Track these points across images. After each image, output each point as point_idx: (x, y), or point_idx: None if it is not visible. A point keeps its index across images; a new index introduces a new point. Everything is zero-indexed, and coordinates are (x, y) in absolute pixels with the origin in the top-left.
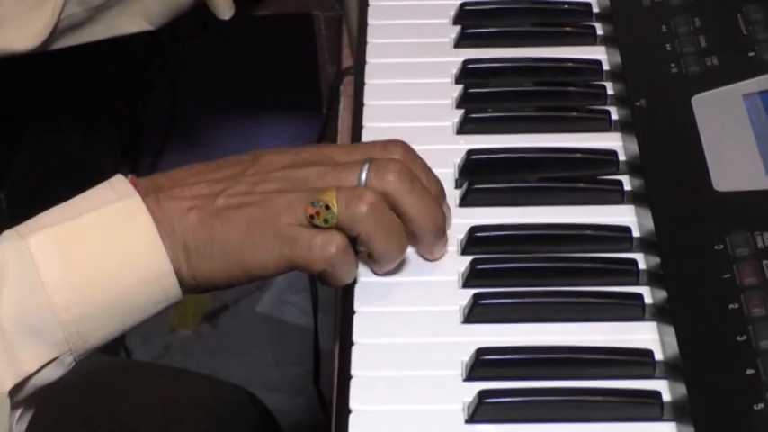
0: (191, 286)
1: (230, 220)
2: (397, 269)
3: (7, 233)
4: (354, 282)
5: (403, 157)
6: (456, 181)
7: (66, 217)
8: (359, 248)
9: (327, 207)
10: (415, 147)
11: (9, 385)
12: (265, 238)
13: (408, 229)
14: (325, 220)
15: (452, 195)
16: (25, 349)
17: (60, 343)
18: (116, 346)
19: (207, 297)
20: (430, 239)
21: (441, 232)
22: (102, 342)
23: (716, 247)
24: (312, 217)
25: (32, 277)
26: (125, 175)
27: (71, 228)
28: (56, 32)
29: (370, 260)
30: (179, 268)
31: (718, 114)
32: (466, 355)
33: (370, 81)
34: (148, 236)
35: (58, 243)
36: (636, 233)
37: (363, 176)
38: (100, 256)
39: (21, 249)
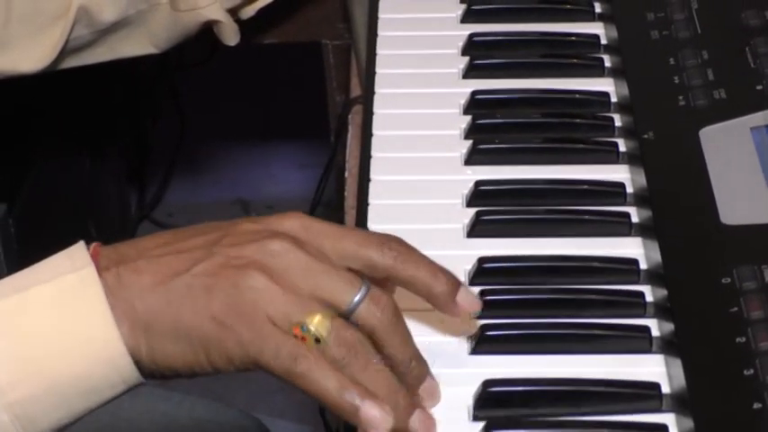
0: (150, 371)
1: (197, 302)
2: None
3: None
4: None
5: (396, 258)
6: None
7: (14, 289)
8: None
9: (318, 341)
10: (423, 177)
11: None
12: (236, 330)
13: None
14: (317, 341)
15: (459, 224)
16: None
17: (6, 426)
18: None
19: None
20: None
21: (419, 381)
22: (57, 426)
23: (723, 281)
24: (297, 337)
25: None
26: (132, 199)
27: (17, 301)
28: (63, 53)
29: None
30: (137, 350)
31: (726, 147)
32: (474, 387)
33: (379, 111)
34: (100, 313)
35: (2, 318)
36: (643, 265)
37: (356, 299)
38: (48, 332)
39: None
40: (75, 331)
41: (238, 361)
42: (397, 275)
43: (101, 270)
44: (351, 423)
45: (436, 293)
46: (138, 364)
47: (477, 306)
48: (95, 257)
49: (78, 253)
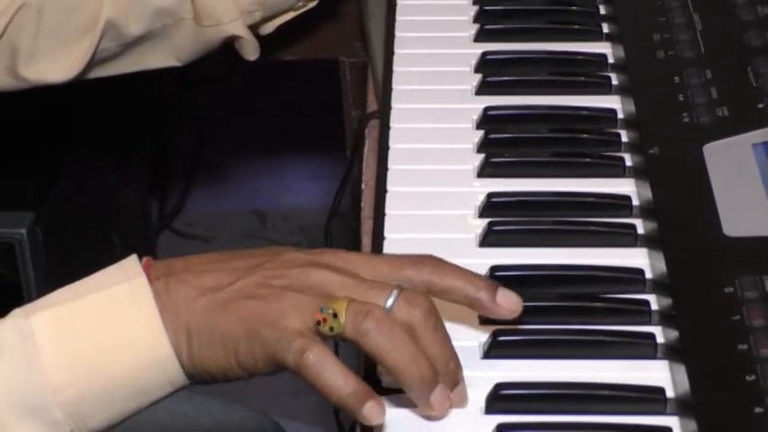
0: (190, 374)
1: (235, 311)
2: None
3: (16, 311)
4: None
5: (435, 272)
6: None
7: (72, 296)
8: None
9: (335, 316)
10: (438, 188)
11: None
12: (262, 333)
13: None
14: (331, 328)
15: (472, 235)
16: (20, 427)
17: (59, 424)
18: None
19: None
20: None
21: (453, 380)
22: (107, 425)
23: (726, 290)
24: (318, 323)
25: (31, 355)
26: (153, 208)
27: (75, 308)
28: (90, 64)
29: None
30: (180, 354)
31: (729, 163)
32: (486, 389)
33: (396, 125)
34: (151, 318)
35: (60, 322)
36: (649, 275)
37: (390, 302)
38: (101, 336)
39: (23, 327)
40: (127, 336)
41: (262, 362)
42: (435, 287)
43: (151, 280)
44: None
45: (477, 297)
46: (181, 366)
47: (517, 304)
48: (147, 269)
49: (131, 265)
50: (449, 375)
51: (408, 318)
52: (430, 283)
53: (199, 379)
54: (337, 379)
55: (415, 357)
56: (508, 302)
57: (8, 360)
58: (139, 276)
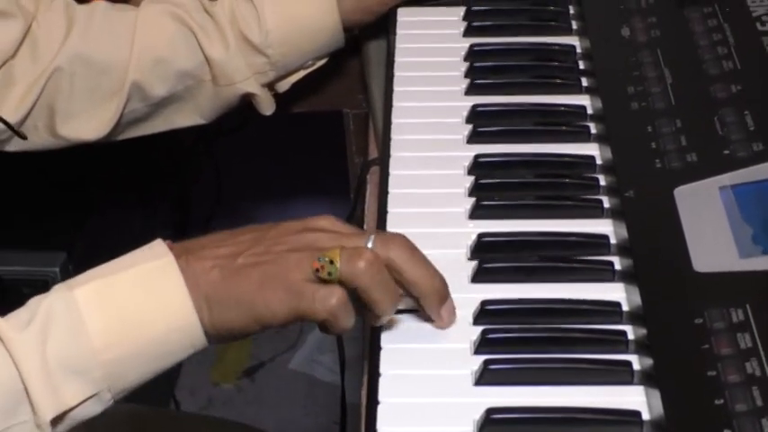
0: (211, 335)
1: (246, 276)
2: (417, 338)
3: (58, 285)
4: (380, 347)
5: (399, 251)
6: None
7: (109, 272)
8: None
9: (331, 262)
10: (432, 229)
11: (51, 416)
12: (276, 291)
13: (413, 294)
14: (329, 273)
15: (464, 272)
16: (68, 386)
17: (99, 381)
18: (166, 398)
19: (246, 355)
20: (434, 302)
21: (442, 295)
22: (138, 382)
23: (696, 321)
24: (317, 270)
25: (77, 323)
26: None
27: (112, 281)
28: (120, 125)
29: (368, 312)
30: (202, 319)
31: (697, 204)
32: (477, 414)
33: (394, 172)
34: (178, 290)
35: (100, 294)
36: (625, 307)
37: (369, 244)
38: (136, 306)
39: (68, 299)
40: (159, 304)
41: (282, 316)
42: (396, 265)
43: (174, 258)
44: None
45: (425, 294)
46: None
47: (449, 324)
48: (170, 250)
49: (158, 246)
50: (437, 292)
51: (386, 253)
52: (394, 259)
53: (220, 339)
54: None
55: (393, 289)
56: (447, 319)
57: (57, 327)
58: (167, 255)
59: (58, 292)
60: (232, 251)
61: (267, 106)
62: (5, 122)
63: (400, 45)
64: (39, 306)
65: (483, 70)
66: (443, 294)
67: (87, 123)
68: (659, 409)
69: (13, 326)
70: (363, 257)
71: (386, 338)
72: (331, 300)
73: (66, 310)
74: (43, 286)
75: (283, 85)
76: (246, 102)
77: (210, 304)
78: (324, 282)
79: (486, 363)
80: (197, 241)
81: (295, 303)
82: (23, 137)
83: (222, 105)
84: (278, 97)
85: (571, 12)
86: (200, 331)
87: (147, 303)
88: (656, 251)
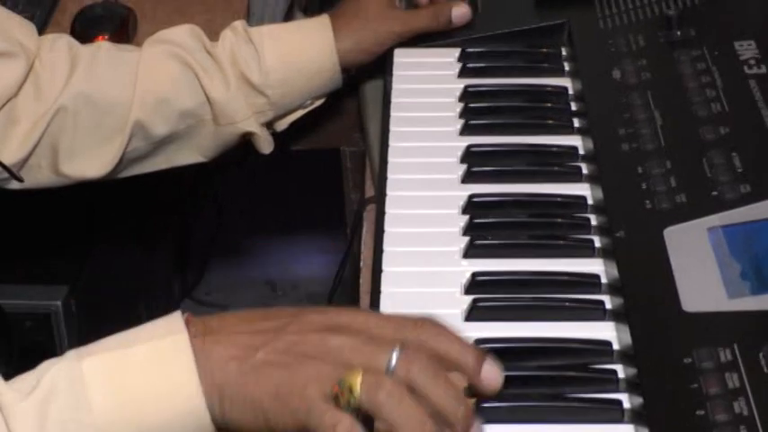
0: (218, 426)
1: (264, 380)
2: None
3: (69, 353)
4: None
5: (431, 336)
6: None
7: (121, 345)
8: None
9: (351, 390)
10: (427, 268)
11: None
12: (289, 404)
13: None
14: (348, 402)
15: (458, 309)
16: None
17: None
18: None
19: None
20: (457, 429)
21: (467, 423)
22: None
23: (685, 361)
24: (336, 396)
25: (80, 397)
26: (176, 280)
27: (122, 355)
28: (122, 162)
29: None
30: (212, 409)
31: (686, 245)
32: None
33: (390, 211)
34: (189, 373)
35: (108, 368)
36: (616, 346)
37: (393, 361)
38: (144, 384)
39: (74, 370)
40: (167, 385)
41: (290, 427)
42: (431, 349)
43: (190, 337)
44: None
45: (465, 365)
46: (211, 419)
47: (498, 380)
48: (187, 325)
49: (174, 320)
50: (462, 420)
51: (409, 374)
52: (425, 343)
53: (226, 430)
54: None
55: (422, 423)
56: (491, 377)
57: (59, 400)
58: (182, 332)
59: (67, 361)
60: (252, 342)
61: (266, 145)
62: (5, 167)
63: (396, 85)
64: (45, 373)
65: (477, 111)
66: (468, 424)
67: (90, 162)
68: None
69: (15, 394)
70: (384, 389)
71: None
72: (339, 429)
73: (71, 382)
74: (45, 319)
75: (281, 125)
76: (245, 140)
77: (223, 397)
78: (338, 405)
79: (479, 402)
80: (217, 319)
81: (305, 420)
82: (20, 179)
83: (222, 144)
84: (277, 135)
85: (563, 54)
86: (207, 420)
87: (155, 384)
88: (645, 291)
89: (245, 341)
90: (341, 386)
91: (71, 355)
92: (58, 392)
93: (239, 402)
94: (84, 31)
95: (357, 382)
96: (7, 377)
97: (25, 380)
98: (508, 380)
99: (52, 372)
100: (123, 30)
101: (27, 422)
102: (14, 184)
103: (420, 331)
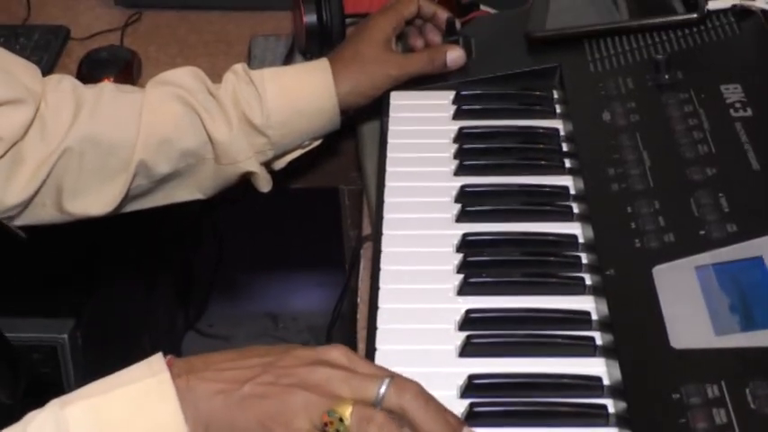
0: None
1: (250, 409)
2: None
3: (53, 402)
4: None
5: (411, 401)
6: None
7: (103, 389)
8: None
9: (341, 420)
10: (421, 305)
11: None
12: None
13: None
14: (337, 431)
15: (452, 345)
16: None
17: None
18: None
19: None
20: None
21: None
22: None
23: (673, 396)
24: (326, 425)
25: None
26: (179, 312)
27: (106, 399)
28: (126, 199)
29: None
30: None
31: (675, 283)
32: None
33: (386, 249)
34: (173, 411)
35: (92, 414)
36: (606, 382)
37: (382, 391)
38: (128, 426)
39: (58, 417)
40: (151, 424)
41: None
42: (409, 414)
43: (174, 376)
44: None
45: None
46: None
47: None
48: (170, 366)
49: (156, 362)
50: None
51: (400, 402)
52: (407, 410)
53: None
54: None
55: None
56: None
57: None
58: (163, 372)
59: (51, 409)
60: (239, 376)
61: (265, 184)
62: (8, 227)
63: (393, 127)
64: (31, 422)
65: (471, 152)
66: None
67: (94, 200)
68: None
69: None
70: (375, 421)
71: None
72: None
73: (55, 428)
74: (52, 352)
75: (280, 164)
76: (245, 179)
77: (209, 430)
78: None
79: None
80: (202, 359)
81: None
82: (23, 237)
83: (222, 182)
84: (278, 173)
85: (555, 96)
86: None
87: (139, 423)
88: (635, 327)
89: (231, 376)
90: (330, 416)
91: (54, 403)
92: None
93: None
94: (90, 73)
95: (347, 412)
96: (14, 409)
97: (11, 431)
98: (503, 415)
99: (38, 420)
100: (128, 72)
101: None
102: (20, 220)
103: (403, 393)
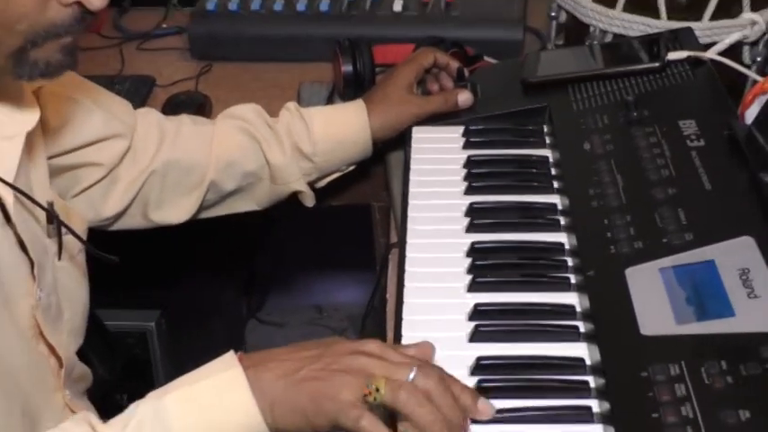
0: (272, 430)
1: (305, 389)
2: None
3: (151, 393)
4: None
5: (438, 370)
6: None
7: (190, 382)
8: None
9: (378, 390)
10: (438, 300)
11: None
12: (326, 406)
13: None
14: (375, 399)
15: (463, 333)
16: None
17: None
18: None
19: None
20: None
21: (459, 423)
22: None
23: (642, 374)
24: (366, 395)
25: (165, 425)
26: (243, 304)
27: (193, 389)
28: (198, 210)
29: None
30: (266, 419)
31: (643, 281)
32: None
33: (410, 254)
34: (246, 397)
35: (183, 401)
36: (588, 362)
37: (411, 376)
38: (212, 410)
39: (158, 406)
40: (231, 409)
41: (328, 424)
42: (430, 397)
43: (243, 368)
44: None
45: (465, 407)
46: (266, 427)
47: (491, 412)
48: (240, 360)
49: (230, 358)
50: (458, 425)
51: (425, 385)
52: (430, 390)
53: None
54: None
55: (434, 417)
56: (485, 410)
57: (148, 428)
58: (236, 366)
59: (151, 400)
60: (295, 365)
61: (310, 200)
62: (101, 255)
63: (414, 155)
64: (134, 411)
65: (478, 175)
66: (464, 426)
67: (174, 211)
68: None
69: (112, 429)
70: (405, 389)
71: None
72: (362, 422)
73: (155, 416)
74: (142, 337)
75: (322, 184)
76: (293, 196)
77: (274, 408)
78: (369, 404)
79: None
80: (264, 353)
81: (336, 417)
82: (115, 261)
83: (275, 198)
84: (320, 191)
85: (545, 130)
86: (264, 429)
87: (221, 408)
88: (611, 318)
89: (289, 365)
90: (369, 387)
91: (152, 395)
92: (145, 425)
93: (287, 410)
94: (171, 114)
95: (383, 384)
96: (112, 384)
97: (118, 420)
98: (503, 389)
99: (140, 409)
100: (201, 113)
101: None
102: (114, 227)
103: (428, 375)
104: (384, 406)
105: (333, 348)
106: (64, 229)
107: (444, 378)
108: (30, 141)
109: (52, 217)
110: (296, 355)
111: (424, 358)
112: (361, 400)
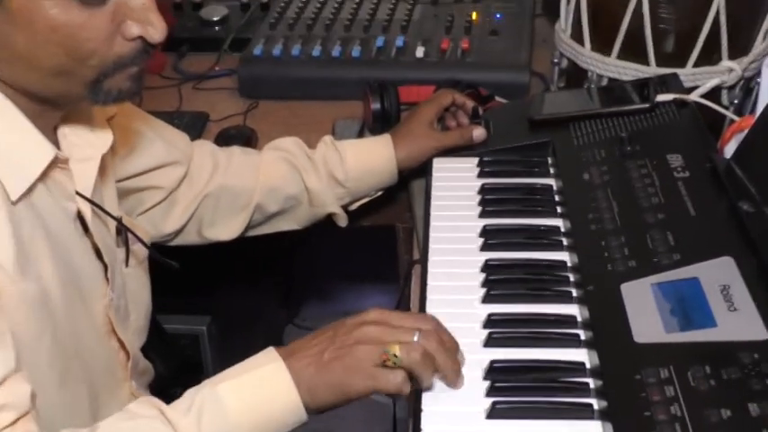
0: (312, 410)
1: (333, 368)
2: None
3: (206, 382)
4: (421, 409)
5: (435, 325)
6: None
7: (240, 373)
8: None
9: (395, 355)
10: (455, 310)
11: None
12: (356, 377)
13: (439, 369)
14: (394, 363)
15: (477, 339)
16: None
17: None
18: None
19: None
20: (452, 377)
21: (458, 373)
22: None
23: (636, 377)
24: (385, 360)
25: (222, 409)
26: (281, 311)
27: (243, 380)
28: (246, 229)
29: (417, 382)
30: (305, 401)
31: (636, 295)
32: None
33: (431, 270)
34: (288, 384)
35: (236, 389)
36: (588, 366)
37: (416, 338)
38: (261, 396)
39: (214, 393)
40: (276, 395)
41: (363, 392)
42: (431, 355)
43: (282, 360)
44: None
45: (447, 374)
46: (305, 407)
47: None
48: (278, 352)
49: (271, 352)
50: (456, 372)
51: (428, 346)
52: (434, 332)
53: (319, 412)
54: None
55: (432, 370)
56: (459, 384)
57: (208, 412)
58: (278, 360)
59: (207, 387)
60: (319, 350)
61: (342, 221)
62: (164, 260)
63: (435, 183)
64: (194, 397)
65: (491, 201)
66: (458, 372)
67: (224, 229)
68: None
69: (178, 413)
70: (417, 350)
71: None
72: (398, 379)
73: (213, 400)
74: (194, 339)
75: (353, 206)
76: (329, 217)
77: (310, 391)
78: (389, 368)
79: (495, 403)
80: (297, 343)
81: (372, 383)
82: (176, 267)
83: (312, 218)
84: (352, 213)
85: (549, 162)
86: (303, 410)
87: (267, 393)
88: (608, 327)
89: (313, 351)
90: (387, 352)
91: (207, 383)
92: (206, 408)
93: (322, 388)
94: (222, 144)
95: (397, 348)
96: (169, 380)
97: (180, 404)
98: (513, 389)
99: (199, 395)
100: (249, 144)
101: (191, 430)
102: (174, 242)
103: (427, 322)
104: (400, 366)
105: (342, 328)
106: (130, 240)
107: (439, 333)
108: (102, 165)
109: (121, 229)
110: (314, 342)
111: (419, 318)
112: (380, 364)
